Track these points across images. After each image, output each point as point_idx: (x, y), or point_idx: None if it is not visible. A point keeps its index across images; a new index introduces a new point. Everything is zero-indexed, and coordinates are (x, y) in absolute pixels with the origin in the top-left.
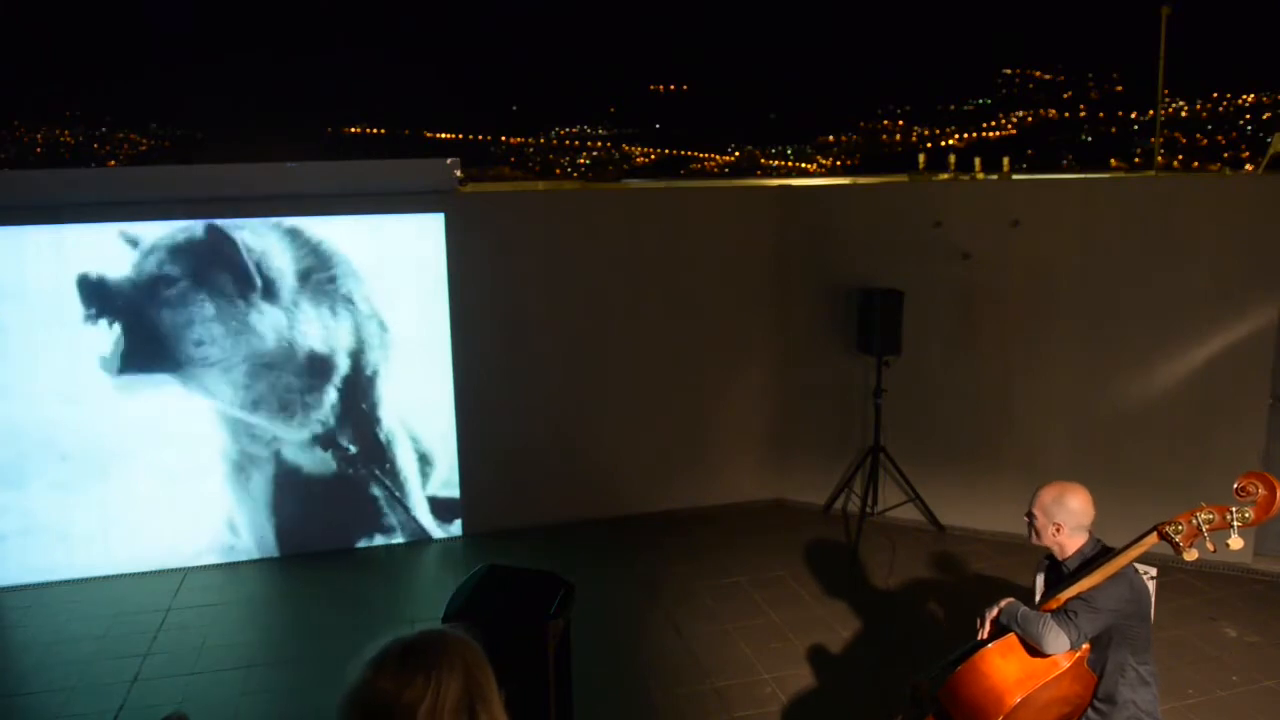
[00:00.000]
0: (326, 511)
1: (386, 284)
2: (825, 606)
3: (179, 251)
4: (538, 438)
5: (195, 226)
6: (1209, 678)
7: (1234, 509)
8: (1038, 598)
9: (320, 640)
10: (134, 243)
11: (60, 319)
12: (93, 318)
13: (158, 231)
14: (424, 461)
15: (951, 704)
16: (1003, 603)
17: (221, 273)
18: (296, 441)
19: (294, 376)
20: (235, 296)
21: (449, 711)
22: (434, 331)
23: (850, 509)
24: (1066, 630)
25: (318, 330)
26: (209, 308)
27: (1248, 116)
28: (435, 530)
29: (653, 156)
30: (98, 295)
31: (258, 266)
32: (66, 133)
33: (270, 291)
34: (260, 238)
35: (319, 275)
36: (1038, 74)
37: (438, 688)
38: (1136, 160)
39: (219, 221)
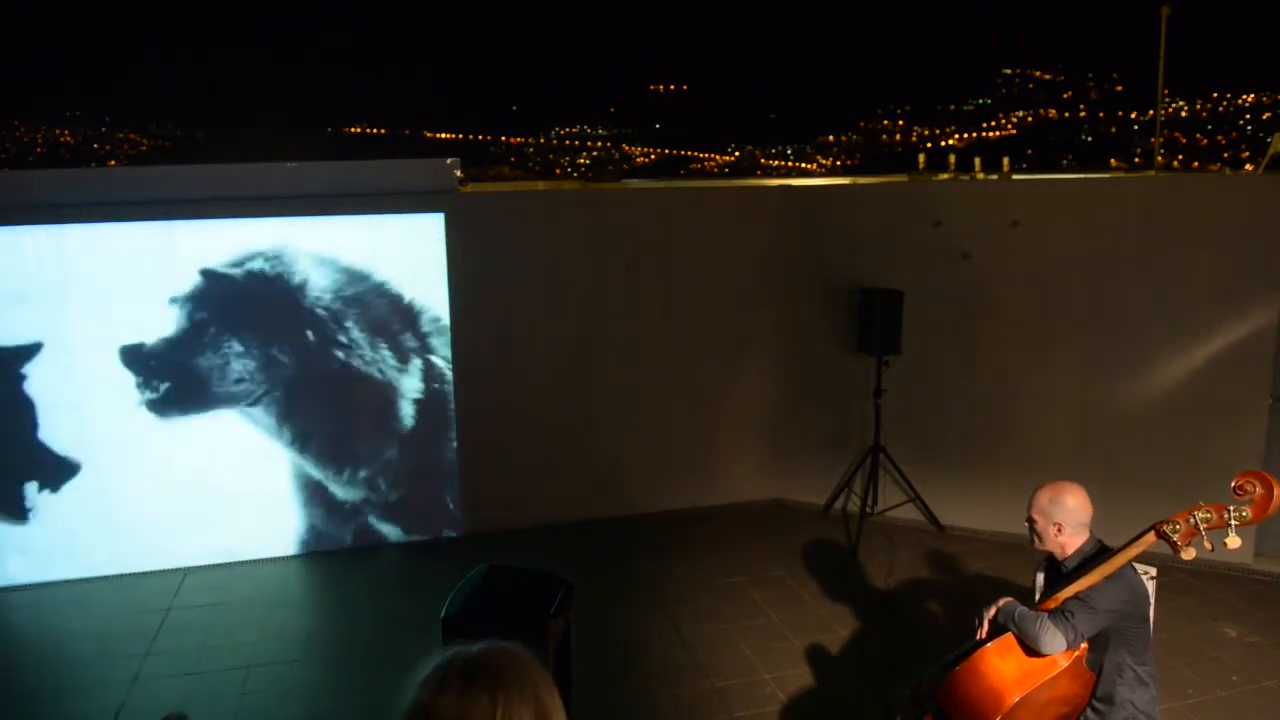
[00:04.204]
0: (325, 511)
1: (386, 284)
2: (825, 607)
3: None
4: (538, 438)
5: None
6: (1209, 678)
7: (1231, 508)
8: (1037, 597)
9: (320, 640)
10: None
11: (60, 319)
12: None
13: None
14: (424, 461)
15: (950, 704)
16: (1001, 602)
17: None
18: (292, 441)
19: (293, 377)
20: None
21: None
22: (434, 331)
23: (850, 509)
24: (1063, 630)
25: (318, 332)
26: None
27: (1248, 116)
28: (435, 530)
29: (653, 156)
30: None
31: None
32: (66, 133)
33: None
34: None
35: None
36: (1038, 74)
37: (507, 712)
38: (1136, 160)
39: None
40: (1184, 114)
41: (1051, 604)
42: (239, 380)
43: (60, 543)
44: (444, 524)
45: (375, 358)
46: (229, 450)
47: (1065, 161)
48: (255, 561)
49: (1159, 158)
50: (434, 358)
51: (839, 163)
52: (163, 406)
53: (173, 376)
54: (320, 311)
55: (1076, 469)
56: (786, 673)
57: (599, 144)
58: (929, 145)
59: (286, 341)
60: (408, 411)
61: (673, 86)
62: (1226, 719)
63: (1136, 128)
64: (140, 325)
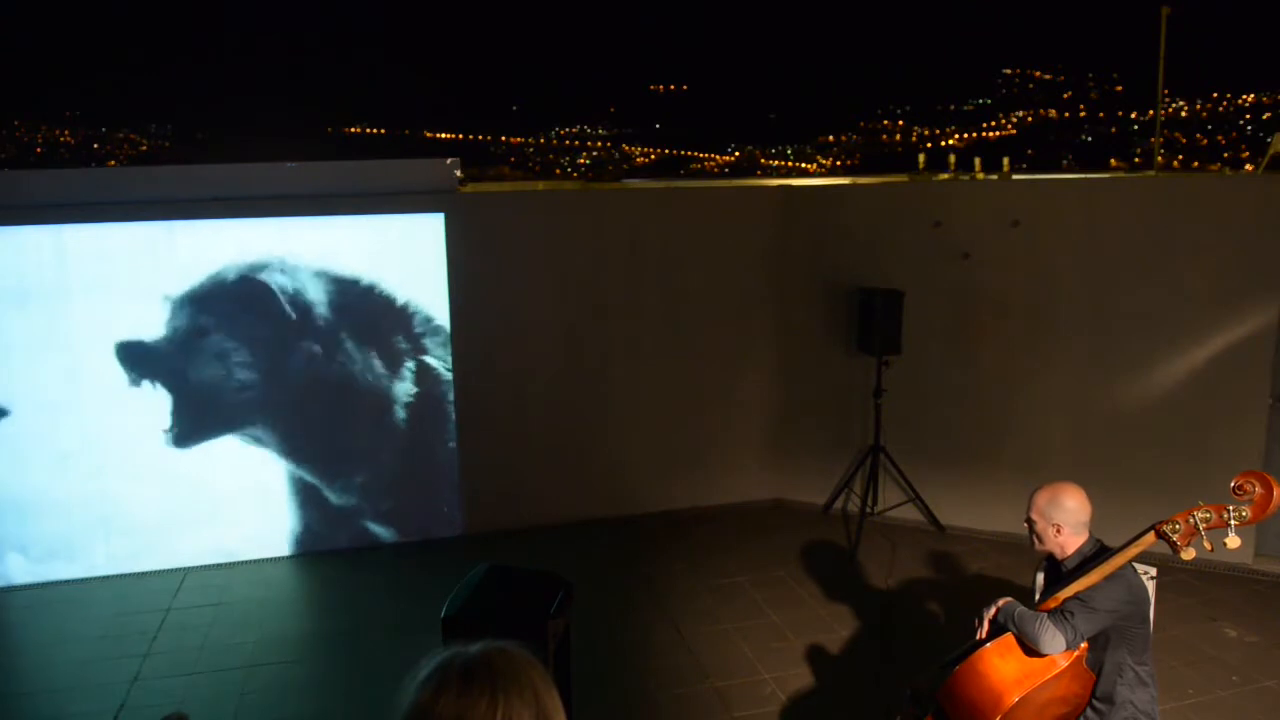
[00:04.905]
0: (325, 511)
1: (386, 284)
2: (825, 607)
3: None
4: (538, 438)
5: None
6: (1209, 678)
7: (1231, 507)
8: (1037, 597)
9: (320, 640)
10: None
11: (60, 319)
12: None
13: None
14: (424, 461)
15: (950, 704)
16: (1000, 602)
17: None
18: (295, 441)
19: (292, 378)
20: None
21: None
22: (434, 331)
23: (850, 509)
24: (1063, 630)
25: (317, 332)
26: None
27: (1248, 116)
28: (435, 530)
29: (653, 156)
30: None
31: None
32: (66, 133)
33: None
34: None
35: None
36: (1038, 74)
37: (507, 713)
38: (1136, 160)
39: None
40: (1184, 114)
41: (1051, 604)
42: (239, 382)
43: (60, 543)
44: (443, 524)
45: (375, 358)
46: (230, 450)
47: (1065, 161)
48: (255, 561)
49: (1159, 158)
50: (434, 358)
51: (839, 163)
52: (162, 407)
53: (172, 377)
54: (319, 311)
55: (1076, 469)
56: (786, 673)
57: (599, 144)
58: (929, 145)
59: (286, 342)
60: (407, 412)
61: (673, 86)
62: (1226, 719)
63: (1136, 128)
64: (141, 326)
